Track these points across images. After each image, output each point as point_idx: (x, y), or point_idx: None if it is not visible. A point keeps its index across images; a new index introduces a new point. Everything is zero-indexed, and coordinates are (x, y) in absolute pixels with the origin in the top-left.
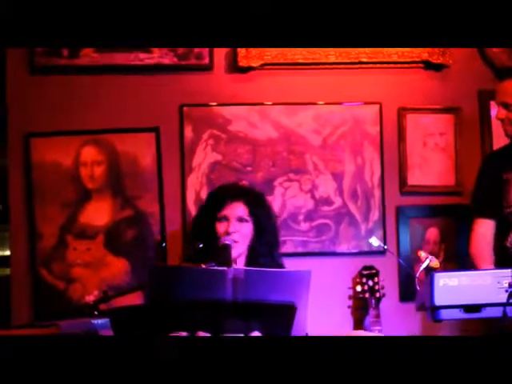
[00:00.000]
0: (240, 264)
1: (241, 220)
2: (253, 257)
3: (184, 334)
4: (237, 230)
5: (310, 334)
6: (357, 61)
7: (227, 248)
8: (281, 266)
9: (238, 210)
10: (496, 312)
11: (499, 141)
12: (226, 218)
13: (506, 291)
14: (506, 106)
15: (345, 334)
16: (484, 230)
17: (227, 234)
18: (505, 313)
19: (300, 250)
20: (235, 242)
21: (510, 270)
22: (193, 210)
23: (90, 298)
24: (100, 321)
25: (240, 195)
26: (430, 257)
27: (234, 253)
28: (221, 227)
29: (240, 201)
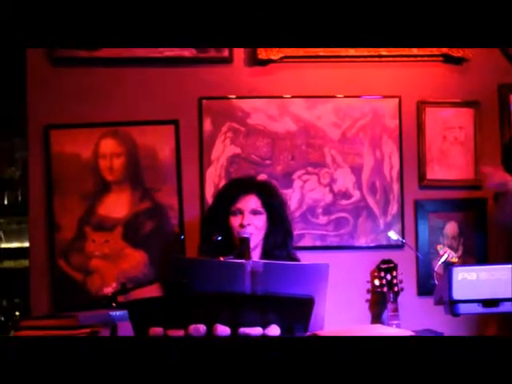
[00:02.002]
0: (255, 256)
1: (254, 212)
2: (268, 249)
3: (202, 326)
4: (251, 223)
5: (327, 328)
6: (376, 54)
7: (246, 241)
8: (295, 258)
9: (251, 202)
10: None
11: None
12: (240, 211)
13: None
14: None
15: (363, 328)
16: None
17: (242, 226)
18: None
19: (318, 243)
20: (250, 234)
21: None
22: (211, 202)
23: (108, 290)
24: (118, 313)
25: (252, 188)
26: (449, 251)
27: (250, 245)
28: (235, 220)
29: (253, 193)
